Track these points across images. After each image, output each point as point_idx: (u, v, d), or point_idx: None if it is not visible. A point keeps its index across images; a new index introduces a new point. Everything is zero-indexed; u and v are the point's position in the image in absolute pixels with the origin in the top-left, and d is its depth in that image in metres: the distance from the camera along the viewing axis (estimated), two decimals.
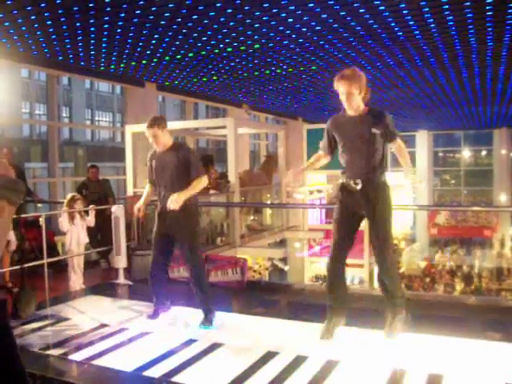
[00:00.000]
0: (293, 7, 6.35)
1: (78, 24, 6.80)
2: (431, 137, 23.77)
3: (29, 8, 6.12)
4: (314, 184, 13.02)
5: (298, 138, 13.41)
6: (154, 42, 7.79)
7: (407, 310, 4.04)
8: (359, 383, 3.33)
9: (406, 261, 19.40)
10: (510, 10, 6.49)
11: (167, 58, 8.89)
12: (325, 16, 6.75)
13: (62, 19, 6.57)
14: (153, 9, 6.28)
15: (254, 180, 10.80)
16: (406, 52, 8.68)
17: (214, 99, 13.85)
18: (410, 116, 18.04)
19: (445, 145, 25.23)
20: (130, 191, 9.67)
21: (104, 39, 7.59)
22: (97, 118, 29.38)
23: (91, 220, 6.54)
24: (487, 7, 6.37)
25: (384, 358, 3.65)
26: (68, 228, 6.27)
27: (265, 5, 6.25)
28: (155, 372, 3.55)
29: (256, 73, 10.33)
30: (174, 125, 8.97)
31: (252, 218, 10.89)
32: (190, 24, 6.95)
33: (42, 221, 6.04)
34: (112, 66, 9.52)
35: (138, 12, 6.39)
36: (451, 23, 7.03)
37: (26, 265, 5.63)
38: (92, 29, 7.04)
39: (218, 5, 6.21)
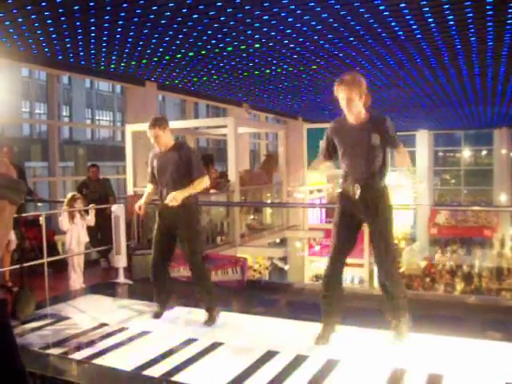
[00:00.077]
0: (293, 6, 6.35)
1: (78, 23, 6.80)
2: (431, 136, 23.77)
3: (29, 7, 6.12)
4: (314, 183, 13.01)
5: (298, 137, 13.40)
6: (154, 41, 7.79)
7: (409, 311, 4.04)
8: (359, 383, 3.33)
9: (406, 260, 19.40)
10: (510, 10, 6.48)
11: (167, 57, 8.89)
12: (325, 15, 6.75)
13: (63, 18, 6.57)
14: (153, 8, 6.28)
15: (254, 179, 10.80)
16: (406, 51, 8.67)
17: (214, 98, 13.85)
18: (411, 115, 18.03)
19: (445, 144, 25.24)
20: (130, 190, 9.66)
21: (104, 38, 7.59)
22: (97, 117, 29.40)
23: (91, 219, 6.54)
24: (487, 7, 6.36)
25: (384, 358, 3.65)
26: (68, 227, 6.27)
27: (265, 4, 6.25)
28: (155, 371, 3.55)
29: (256, 72, 10.33)
30: (174, 124, 8.95)
31: (252, 217, 10.89)
32: (191, 23, 6.95)
33: (42, 220, 6.04)
34: (112, 65, 9.52)
35: (138, 11, 6.38)
36: (451, 23, 7.03)
37: (26, 264, 5.63)
38: (92, 28, 7.04)
39: (219, 4, 6.21)
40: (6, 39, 7.40)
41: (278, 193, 11.58)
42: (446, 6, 6.36)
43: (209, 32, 7.39)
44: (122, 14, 6.50)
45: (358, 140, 3.80)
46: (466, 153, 24.66)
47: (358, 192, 3.80)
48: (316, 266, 12.65)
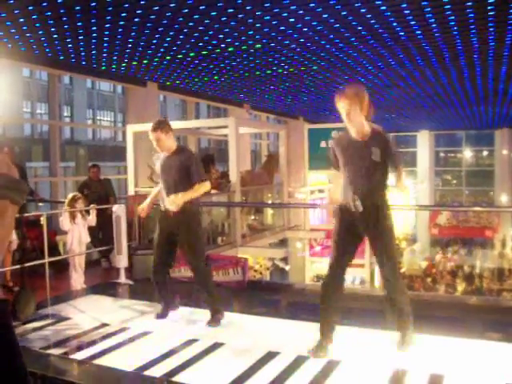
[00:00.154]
0: (294, 7, 6.35)
1: (79, 23, 6.80)
2: (433, 137, 23.76)
3: (30, 7, 6.12)
4: (315, 184, 13.01)
5: (299, 137, 13.39)
6: (155, 41, 7.79)
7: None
8: (360, 383, 3.33)
9: (407, 261, 19.39)
10: (511, 10, 6.48)
11: (168, 57, 8.89)
12: (326, 16, 6.75)
13: (64, 19, 6.58)
14: (154, 8, 6.28)
15: (255, 180, 10.79)
16: (407, 52, 8.67)
17: (215, 99, 13.85)
18: (412, 116, 18.03)
19: (446, 145, 25.22)
20: (131, 191, 9.66)
21: (105, 39, 7.60)
22: (98, 118, 29.40)
23: (92, 219, 6.55)
24: (489, 7, 6.36)
25: (385, 359, 3.65)
26: (69, 227, 6.28)
27: (266, 4, 6.25)
28: (156, 371, 3.55)
29: (257, 72, 10.33)
30: (175, 124, 8.93)
31: (253, 217, 10.89)
32: (192, 24, 6.95)
33: (43, 220, 6.04)
34: (113, 66, 9.53)
35: (139, 11, 6.39)
36: (453, 23, 7.03)
37: (27, 264, 5.63)
38: (93, 28, 7.04)
39: (220, 4, 6.22)
40: (7, 39, 7.41)
41: (279, 193, 11.58)
42: (448, 7, 6.36)
43: (210, 32, 7.39)
44: (124, 15, 6.50)
45: (359, 154, 3.78)
46: (467, 153, 24.65)
47: (358, 204, 3.79)
48: (317, 266, 12.64)
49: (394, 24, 7.12)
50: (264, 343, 4.03)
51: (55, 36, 7.38)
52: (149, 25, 6.95)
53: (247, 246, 9.34)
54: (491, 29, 7.27)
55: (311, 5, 6.29)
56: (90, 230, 6.64)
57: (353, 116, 3.70)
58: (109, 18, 6.63)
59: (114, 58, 8.91)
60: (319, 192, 13.44)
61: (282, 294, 6.02)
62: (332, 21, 6.97)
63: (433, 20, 6.90)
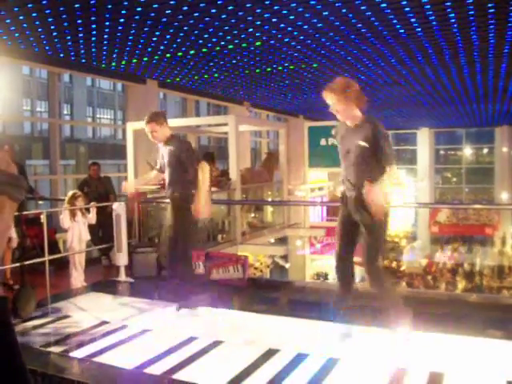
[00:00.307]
0: (294, 4, 6.34)
1: (79, 21, 6.79)
2: (433, 134, 23.74)
3: (30, 5, 6.11)
4: (315, 181, 13.02)
5: (299, 135, 13.40)
6: (155, 39, 7.78)
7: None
8: (360, 381, 3.33)
9: (407, 259, 19.40)
10: (511, 7, 6.47)
11: (168, 55, 8.88)
12: (326, 13, 6.74)
13: (64, 16, 6.57)
14: (154, 6, 6.27)
15: (255, 177, 10.80)
16: (407, 49, 8.66)
17: (215, 97, 13.84)
18: (412, 113, 18.02)
19: (446, 142, 25.21)
20: (130, 189, 9.64)
21: (105, 36, 7.59)
22: (98, 116, 29.39)
23: (92, 217, 6.55)
24: (489, 4, 6.35)
25: (385, 356, 3.65)
26: (69, 225, 6.28)
27: (266, 2, 6.24)
28: (156, 369, 3.55)
29: (257, 70, 10.32)
30: (175, 122, 8.96)
31: (253, 215, 10.90)
32: (192, 21, 6.94)
33: (43, 218, 6.05)
34: (113, 64, 9.52)
35: (139, 9, 6.38)
36: (453, 20, 7.01)
37: (27, 262, 5.63)
38: (93, 26, 7.03)
39: (220, 2, 6.21)
40: (6, 37, 7.40)
41: (279, 191, 11.59)
42: (448, 4, 6.35)
43: (210, 30, 7.38)
44: (123, 12, 6.49)
45: (350, 143, 3.85)
46: (468, 151, 24.64)
47: (350, 195, 3.86)
48: (317, 264, 12.67)
49: (394, 21, 7.10)
50: (264, 341, 4.03)
51: (55, 34, 7.37)
52: (149, 22, 6.94)
53: (247, 244, 9.35)
54: (491, 26, 7.26)
55: (311, 2, 6.28)
56: (90, 227, 6.65)
57: (340, 108, 3.77)
58: (108, 15, 6.62)
59: (113, 56, 8.90)
60: (319, 190, 13.46)
61: (282, 291, 6.02)
62: (332, 18, 6.96)
63: (433, 17, 6.89)
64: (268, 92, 13.20)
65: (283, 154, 11.32)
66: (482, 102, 14.96)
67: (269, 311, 4.90)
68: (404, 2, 6.31)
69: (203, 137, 20.95)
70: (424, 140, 23.56)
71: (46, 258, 5.66)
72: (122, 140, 15.68)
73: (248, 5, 6.34)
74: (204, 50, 8.53)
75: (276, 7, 6.45)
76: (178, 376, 3.44)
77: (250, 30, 7.45)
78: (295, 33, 7.62)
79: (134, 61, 9.28)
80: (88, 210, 6.57)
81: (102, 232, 7.86)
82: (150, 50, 8.46)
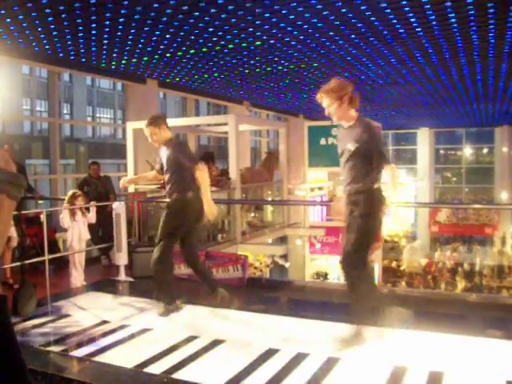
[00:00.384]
0: (294, 4, 6.34)
1: (79, 20, 6.79)
2: (433, 134, 23.75)
3: (30, 4, 6.11)
4: (315, 181, 13.01)
5: (299, 135, 13.40)
6: (155, 38, 7.78)
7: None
8: (360, 380, 3.33)
9: (407, 258, 19.40)
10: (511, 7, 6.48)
11: (168, 54, 8.88)
12: (326, 13, 6.74)
13: (63, 15, 6.57)
14: (154, 5, 6.27)
15: (255, 177, 10.80)
16: (407, 49, 8.66)
17: (215, 96, 13.83)
18: (412, 113, 18.02)
19: (446, 142, 25.21)
20: (131, 188, 9.66)
21: (105, 36, 7.58)
22: (98, 115, 29.36)
23: (92, 217, 6.55)
24: (489, 4, 6.35)
25: (385, 356, 3.65)
26: (69, 224, 6.28)
27: (266, 2, 6.24)
28: (156, 369, 3.55)
29: (257, 70, 10.32)
30: (175, 122, 8.97)
31: (253, 214, 10.90)
32: (192, 21, 6.94)
33: (43, 217, 6.04)
34: (113, 63, 9.51)
35: (139, 8, 6.38)
36: (453, 20, 7.01)
37: (27, 261, 5.63)
38: (93, 25, 7.03)
39: (220, 2, 6.20)
40: (6, 36, 7.40)
41: (279, 190, 11.59)
42: (448, 4, 6.35)
43: (210, 30, 7.38)
44: (123, 12, 6.49)
45: (343, 145, 3.90)
46: (468, 151, 24.63)
47: (343, 196, 3.94)
48: (317, 263, 12.66)
49: (394, 21, 7.10)
50: (264, 340, 4.03)
51: (55, 33, 7.37)
52: (149, 22, 6.94)
53: (247, 243, 9.36)
54: (491, 26, 7.26)
55: (311, 2, 6.28)
56: (90, 227, 6.65)
57: (333, 110, 3.80)
58: (108, 15, 6.61)
59: (113, 56, 8.90)
60: (319, 189, 13.45)
61: (282, 291, 6.03)
62: (332, 18, 6.96)
63: (433, 17, 6.89)
64: (268, 91, 13.20)
65: (283, 154, 11.32)
66: (482, 101, 14.96)
67: (268, 311, 4.90)
68: (404, 2, 6.31)
69: (203, 136, 20.95)
70: (424, 140, 23.57)
71: (46, 257, 5.66)
72: (122, 139, 15.68)
73: (248, 4, 6.34)
74: (204, 49, 8.53)
75: (276, 7, 6.45)
76: (177, 375, 3.44)
77: (250, 29, 7.45)
78: (295, 32, 7.62)
79: (134, 60, 9.28)
80: (88, 209, 6.57)
81: (101, 231, 7.86)
82: (149, 49, 8.45)
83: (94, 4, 6.14)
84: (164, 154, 4.76)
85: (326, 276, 12.53)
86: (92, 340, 4.19)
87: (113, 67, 9.85)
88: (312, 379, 3.32)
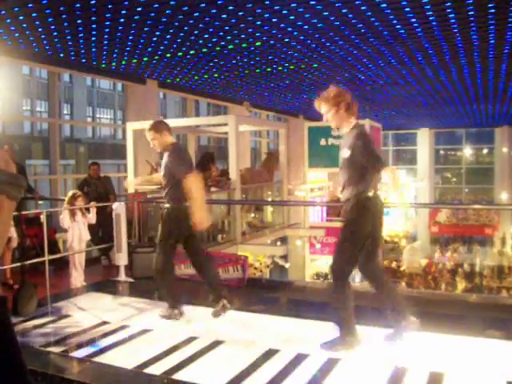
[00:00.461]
0: (294, 4, 6.34)
1: (79, 21, 6.79)
2: (433, 135, 23.75)
3: (30, 5, 6.11)
4: (314, 181, 13.01)
5: (299, 135, 13.41)
6: (155, 39, 7.78)
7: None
8: (360, 381, 3.33)
9: (407, 259, 19.39)
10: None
11: (168, 55, 8.88)
12: (326, 13, 6.74)
13: (64, 16, 6.57)
14: (154, 6, 6.27)
15: (255, 177, 10.80)
16: (407, 50, 8.66)
17: (215, 97, 13.84)
18: (412, 114, 18.02)
19: (446, 143, 25.21)
20: (131, 188, 9.66)
21: (105, 36, 7.59)
22: (98, 115, 29.37)
23: (92, 217, 6.55)
24: (489, 5, 6.35)
25: (385, 356, 3.65)
26: (69, 225, 6.28)
27: (266, 2, 6.24)
28: (156, 369, 3.55)
29: (257, 70, 10.32)
30: (175, 122, 8.96)
31: (253, 215, 10.89)
32: (192, 21, 6.94)
33: (43, 218, 6.04)
34: (113, 63, 9.52)
35: (139, 9, 6.38)
36: (453, 21, 7.01)
37: (27, 262, 5.63)
38: (93, 26, 7.03)
39: (220, 2, 6.21)
40: (7, 37, 7.40)
41: (279, 191, 11.59)
42: (448, 4, 6.35)
43: (210, 30, 7.38)
44: (123, 12, 6.49)
45: (341, 152, 3.94)
46: (468, 151, 24.64)
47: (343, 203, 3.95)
48: (317, 264, 12.66)
49: (394, 22, 7.11)
50: (264, 341, 4.03)
51: (55, 34, 7.37)
52: (149, 22, 6.94)
53: (247, 244, 9.35)
54: (491, 26, 7.26)
55: (311, 2, 6.28)
56: (90, 227, 6.64)
57: (330, 117, 3.88)
58: (108, 15, 6.62)
59: (113, 56, 8.90)
60: (319, 190, 13.46)
61: (282, 291, 6.02)
62: (332, 18, 6.97)
63: (433, 17, 6.89)
64: (268, 92, 13.20)
65: (283, 154, 11.32)
66: (482, 102, 14.97)
67: (268, 311, 4.90)
68: (404, 2, 6.31)
69: (203, 137, 20.94)
70: (424, 140, 23.57)
71: (46, 257, 5.65)
72: (122, 140, 15.68)
73: (248, 5, 6.34)
74: (204, 50, 8.53)
75: (276, 7, 6.45)
76: (177, 376, 3.44)
77: (250, 30, 7.45)
78: (295, 33, 7.63)
79: (134, 61, 9.28)
80: (88, 209, 6.57)
81: (101, 232, 7.85)
82: (150, 49, 8.46)
83: (95, 5, 6.14)
84: (163, 159, 4.76)
85: (326, 276, 12.53)
86: (92, 341, 4.19)
87: (113, 68, 9.85)
88: (312, 380, 3.32)
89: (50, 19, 6.68)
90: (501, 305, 5.51)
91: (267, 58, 9.24)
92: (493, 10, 6.55)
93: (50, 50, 8.35)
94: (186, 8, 6.40)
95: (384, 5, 6.39)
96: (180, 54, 8.80)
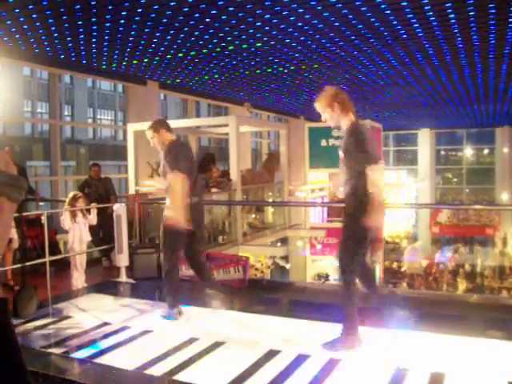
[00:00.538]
0: (295, 5, 6.34)
1: (79, 22, 6.80)
2: (433, 135, 23.74)
3: (30, 6, 6.12)
4: (315, 182, 13.01)
5: (300, 136, 13.40)
6: (155, 40, 7.79)
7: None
8: (361, 382, 3.33)
9: (408, 259, 19.39)
10: None
11: (169, 56, 8.89)
12: (327, 14, 6.75)
13: (64, 17, 6.58)
14: (155, 7, 6.28)
15: (256, 178, 10.80)
16: (408, 50, 8.66)
17: (215, 98, 13.84)
18: (412, 114, 18.01)
19: (447, 143, 25.19)
20: (131, 189, 9.67)
21: (106, 37, 7.59)
22: (99, 117, 29.38)
23: (93, 218, 6.55)
24: (490, 5, 6.35)
25: (386, 356, 3.65)
26: (70, 226, 6.28)
27: (266, 3, 6.24)
28: (157, 370, 3.55)
29: (258, 71, 10.32)
30: (175, 123, 8.97)
31: (254, 216, 10.89)
32: (192, 22, 6.95)
33: (43, 219, 6.05)
34: (114, 65, 9.53)
35: (139, 10, 6.38)
36: (453, 21, 7.02)
37: (28, 263, 5.63)
38: (94, 27, 7.04)
39: (220, 3, 6.21)
40: (7, 38, 7.41)
41: (280, 192, 11.58)
42: (448, 4, 6.35)
43: (210, 31, 7.39)
44: (124, 13, 6.50)
45: (340, 151, 3.98)
46: (468, 151, 24.62)
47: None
48: (318, 264, 12.65)
49: (395, 22, 7.11)
50: (265, 342, 4.02)
51: (56, 35, 7.38)
52: (149, 23, 6.95)
53: (248, 245, 9.35)
54: (492, 26, 7.26)
55: (312, 3, 6.28)
56: (91, 228, 6.65)
57: (327, 117, 3.94)
58: (109, 16, 6.62)
59: (114, 57, 8.91)
60: (320, 190, 13.46)
61: (282, 292, 6.02)
62: (333, 19, 6.97)
63: (433, 18, 6.89)
64: (269, 93, 13.20)
65: (284, 155, 11.32)
66: (483, 102, 14.96)
67: (269, 312, 4.90)
68: (404, 3, 6.31)
69: (204, 138, 20.93)
70: (425, 140, 23.56)
71: (47, 258, 5.65)
72: (123, 141, 15.68)
73: (248, 6, 6.35)
74: (204, 51, 8.53)
75: (277, 8, 6.46)
76: (178, 377, 3.44)
77: (251, 31, 7.45)
78: (296, 34, 7.63)
79: (135, 62, 9.29)
80: (89, 211, 6.57)
81: (102, 233, 7.86)
82: (150, 51, 8.46)
83: (95, 6, 6.14)
84: (163, 157, 4.76)
85: (327, 277, 12.52)
86: (93, 342, 4.19)
87: (113, 69, 9.86)
88: (313, 380, 3.31)
89: (50, 20, 6.69)
90: (502, 305, 5.51)
91: (268, 58, 9.24)
92: (493, 11, 6.55)
93: (51, 52, 8.36)
94: (187, 9, 6.41)
95: (384, 5, 6.39)
96: (180, 55, 8.81)
